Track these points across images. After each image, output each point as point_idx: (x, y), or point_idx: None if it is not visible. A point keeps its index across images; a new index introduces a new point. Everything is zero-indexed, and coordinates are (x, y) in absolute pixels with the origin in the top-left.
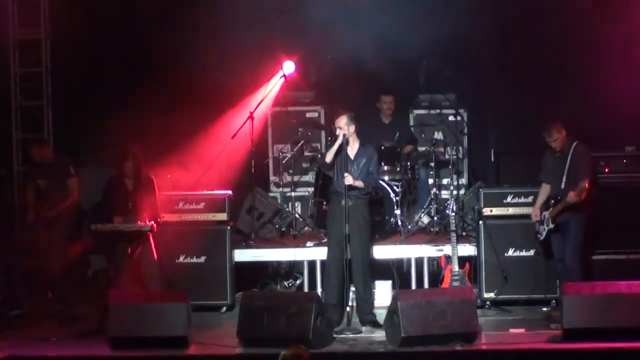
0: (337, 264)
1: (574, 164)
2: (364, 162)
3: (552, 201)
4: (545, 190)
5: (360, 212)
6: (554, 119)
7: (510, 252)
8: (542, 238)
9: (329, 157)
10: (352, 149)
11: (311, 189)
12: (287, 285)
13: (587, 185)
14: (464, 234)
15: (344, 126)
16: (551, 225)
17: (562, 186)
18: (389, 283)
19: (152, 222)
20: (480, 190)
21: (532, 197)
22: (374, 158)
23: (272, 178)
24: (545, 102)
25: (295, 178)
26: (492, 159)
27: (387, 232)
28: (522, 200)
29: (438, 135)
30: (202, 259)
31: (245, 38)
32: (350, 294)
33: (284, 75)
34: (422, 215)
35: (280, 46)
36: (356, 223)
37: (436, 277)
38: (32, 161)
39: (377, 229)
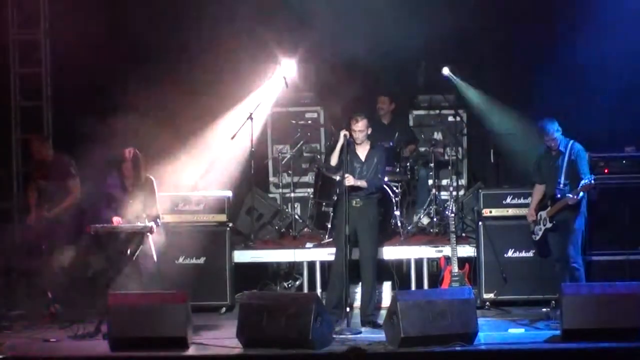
0: (340, 264)
1: (573, 163)
2: (374, 163)
3: (549, 200)
4: (539, 190)
5: (370, 212)
6: (550, 118)
7: (510, 253)
8: (537, 238)
9: (333, 160)
10: (364, 151)
11: (311, 190)
12: (286, 286)
13: (593, 182)
14: (463, 234)
15: (363, 129)
16: (549, 225)
17: (561, 185)
18: (388, 284)
19: (152, 223)
20: (480, 191)
21: (531, 198)
22: (382, 159)
23: (271, 179)
24: (544, 102)
25: (295, 179)
26: (492, 160)
27: (387, 233)
28: (522, 201)
29: (437, 136)
30: (202, 260)
31: (245, 38)
32: (352, 294)
33: (284, 78)
34: (422, 216)
35: (280, 46)
36: (367, 222)
37: (436, 278)
38: (32, 158)
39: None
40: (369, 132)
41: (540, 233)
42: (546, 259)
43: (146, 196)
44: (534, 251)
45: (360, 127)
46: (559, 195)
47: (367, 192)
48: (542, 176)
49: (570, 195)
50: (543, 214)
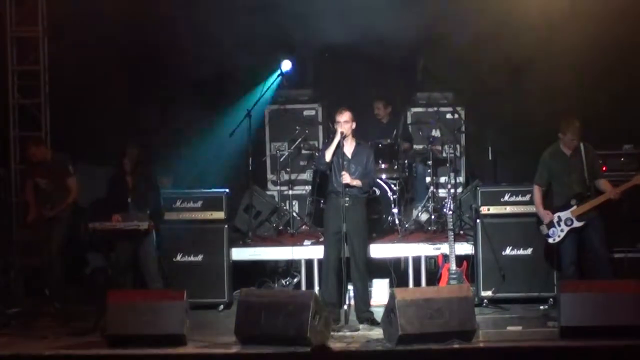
0: (335, 263)
1: (591, 161)
2: (361, 161)
3: (574, 200)
4: (540, 193)
5: (359, 211)
6: (576, 118)
7: (508, 251)
8: (556, 240)
9: (327, 156)
10: (350, 148)
11: (308, 187)
12: (284, 283)
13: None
14: (461, 232)
15: (348, 121)
16: (578, 224)
17: (587, 182)
18: (386, 281)
19: (150, 221)
20: (478, 188)
21: (529, 195)
22: (371, 156)
23: (269, 176)
24: (543, 100)
25: (293, 176)
26: (490, 157)
27: (384, 231)
28: (520, 198)
29: (436, 133)
30: (200, 258)
31: (243, 36)
32: (348, 292)
33: (282, 74)
34: (420, 213)
35: (278, 44)
36: (355, 222)
37: (433, 276)
38: (29, 160)
39: (374, 227)
40: (352, 127)
41: (563, 234)
42: (544, 258)
43: (147, 192)
44: (532, 249)
45: (346, 118)
46: (589, 194)
47: (361, 192)
48: (547, 179)
49: (616, 191)
50: (563, 214)
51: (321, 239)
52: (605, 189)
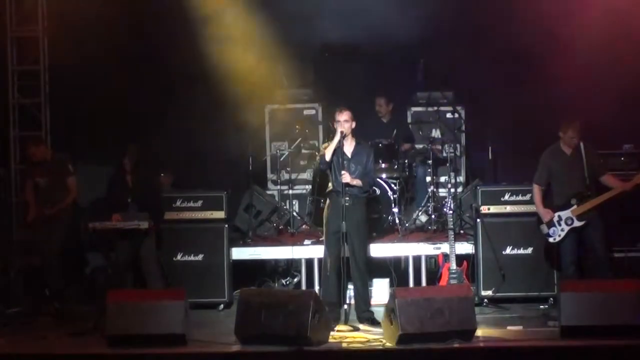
0: (336, 262)
1: (592, 160)
2: (361, 161)
3: (575, 199)
4: (540, 192)
5: (359, 211)
6: (576, 118)
7: (508, 250)
8: (557, 239)
9: (328, 155)
10: (350, 147)
11: (309, 187)
12: (284, 283)
13: None
14: (461, 231)
15: (348, 120)
16: (579, 223)
17: (588, 182)
18: (386, 281)
19: (150, 221)
20: (478, 188)
21: (530, 194)
22: (370, 156)
23: (269, 176)
24: (543, 100)
25: (293, 176)
26: (490, 157)
27: (384, 230)
28: (520, 198)
29: (436, 133)
30: (200, 257)
31: (242, 34)
32: (348, 291)
33: (283, 75)
34: (420, 213)
35: (278, 44)
36: (355, 222)
37: (434, 275)
38: (29, 160)
39: (374, 227)
40: (352, 126)
41: (563, 234)
42: (545, 257)
43: (147, 192)
44: (532, 248)
45: (345, 117)
46: (589, 193)
47: (361, 192)
48: (546, 179)
49: (628, 185)
50: (564, 214)
51: (321, 239)
52: (613, 184)
